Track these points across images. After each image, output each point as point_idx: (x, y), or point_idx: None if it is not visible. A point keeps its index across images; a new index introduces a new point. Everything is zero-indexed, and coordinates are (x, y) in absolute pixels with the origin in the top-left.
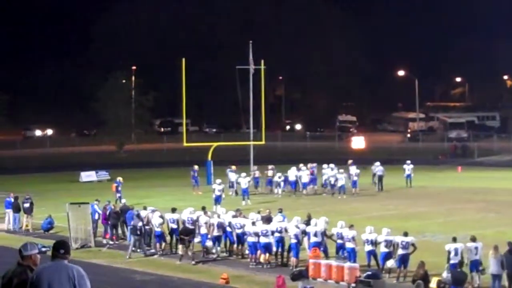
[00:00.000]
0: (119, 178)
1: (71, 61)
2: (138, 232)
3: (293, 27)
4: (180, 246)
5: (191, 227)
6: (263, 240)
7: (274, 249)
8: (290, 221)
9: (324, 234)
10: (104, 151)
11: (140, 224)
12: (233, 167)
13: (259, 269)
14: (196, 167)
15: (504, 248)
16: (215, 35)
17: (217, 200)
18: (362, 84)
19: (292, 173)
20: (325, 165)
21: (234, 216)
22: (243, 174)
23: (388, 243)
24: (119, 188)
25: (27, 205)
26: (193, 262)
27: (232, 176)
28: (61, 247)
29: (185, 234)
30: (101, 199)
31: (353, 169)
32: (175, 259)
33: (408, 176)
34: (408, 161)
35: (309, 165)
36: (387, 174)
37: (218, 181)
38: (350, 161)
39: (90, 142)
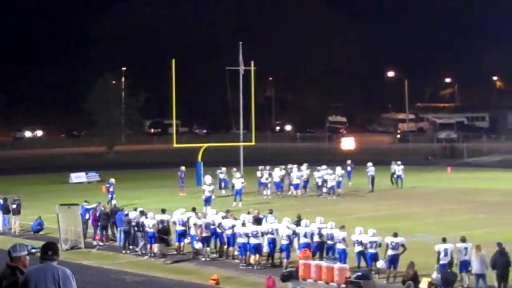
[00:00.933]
0: (112, 179)
1: (61, 63)
2: (141, 228)
3: (283, 28)
4: (156, 246)
5: (182, 227)
6: (253, 241)
7: (266, 250)
8: (280, 222)
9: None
10: (94, 152)
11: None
12: (223, 169)
13: (249, 270)
14: (183, 168)
15: (494, 248)
16: (205, 36)
17: (207, 201)
18: (352, 85)
19: (276, 174)
20: (303, 166)
21: (224, 217)
22: (238, 175)
23: (373, 244)
24: (111, 189)
25: (14, 206)
26: (168, 262)
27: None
28: (49, 249)
29: (164, 233)
30: (91, 200)
31: (339, 170)
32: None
33: (399, 176)
34: (399, 162)
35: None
36: (378, 174)
37: (208, 182)
38: (349, 161)
39: (80, 143)
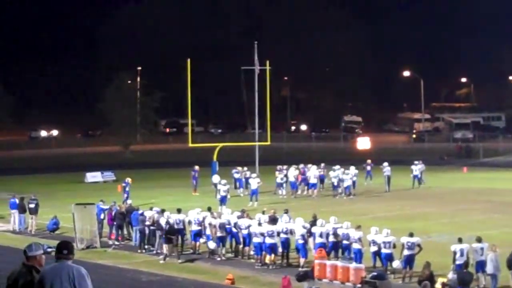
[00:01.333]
0: (128, 179)
1: (77, 62)
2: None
3: (298, 28)
4: (165, 246)
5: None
6: (268, 240)
7: (280, 250)
8: (294, 222)
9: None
10: (110, 152)
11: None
12: (239, 168)
13: (264, 269)
14: (196, 167)
15: (510, 249)
16: (221, 35)
17: (223, 200)
18: (368, 85)
19: (291, 174)
20: (314, 166)
21: (239, 217)
22: (254, 175)
23: (387, 244)
24: (127, 189)
25: (32, 205)
26: (179, 261)
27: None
28: (64, 248)
29: (171, 233)
30: (107, 199)
31: (353, 169)
32: (181, 259)
33: (416, 176)
34: (416, 162)
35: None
36: (394, 174)
37: (223, 181)
38: (369, 161)
39: (95, 143)
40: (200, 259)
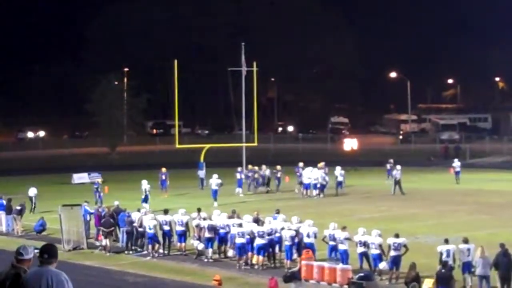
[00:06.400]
0: (98, 180)
1: (64, 63)
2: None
3: (285, 29)
4: (102, 238)
5: (182, 227)
6: (259, 241)
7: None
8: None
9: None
10: (97, 153)
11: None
12: (239, 169)
13: (251, 270)
14: (163, 169)
15: (497, 250)
16: (208, 36)
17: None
18: (355, 86)
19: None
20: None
21: (229, 217)
22: (215, 176)
23: (374, 244)
24: (99, 189)
25: (18, 207)
26: (108, 254)
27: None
28: (45, 252)
29: (105, 226)
30: (92, 202)
31: (338, 170)
32: (168, 260)
33: (457, 173)
34: (456, 159)
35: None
36: (380, 175)
37: (145, 181)
38: (391, 160)
39: (82, 144)
40: (187, 260)
